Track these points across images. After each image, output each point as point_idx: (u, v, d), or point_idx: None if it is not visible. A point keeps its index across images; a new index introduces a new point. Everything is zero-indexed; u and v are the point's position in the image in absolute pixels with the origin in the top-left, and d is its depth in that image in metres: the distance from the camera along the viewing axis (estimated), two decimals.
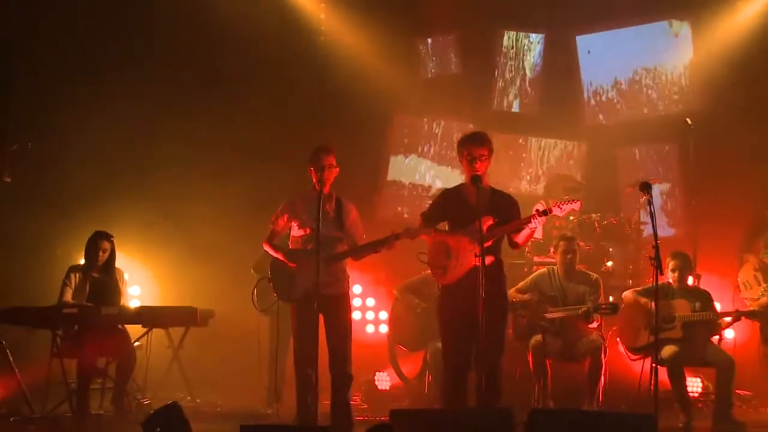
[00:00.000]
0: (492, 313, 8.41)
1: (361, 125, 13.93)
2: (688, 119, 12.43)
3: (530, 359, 10.56)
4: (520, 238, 8.83)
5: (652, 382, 10.54)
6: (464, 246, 8.69)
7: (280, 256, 9.38)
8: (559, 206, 8.75)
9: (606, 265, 12.16)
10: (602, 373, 10.46)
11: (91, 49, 12.99)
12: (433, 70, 14.59)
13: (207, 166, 13.18)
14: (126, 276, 11.57)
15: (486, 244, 8.51)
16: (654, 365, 9.27)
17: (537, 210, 8.68)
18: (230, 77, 13.53)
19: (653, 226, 8.56)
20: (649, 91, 14.25)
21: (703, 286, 12.01)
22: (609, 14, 14.19)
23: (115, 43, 13.13)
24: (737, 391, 11.54)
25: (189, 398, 11.66)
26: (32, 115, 12.62)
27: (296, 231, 9.43)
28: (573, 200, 8.86)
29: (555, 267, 11.05)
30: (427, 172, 14.47)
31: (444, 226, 9.04)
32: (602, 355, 10.47)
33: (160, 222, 13.05)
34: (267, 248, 9.47)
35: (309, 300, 8.99)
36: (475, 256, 8.41)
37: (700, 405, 11.24)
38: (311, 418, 9.14)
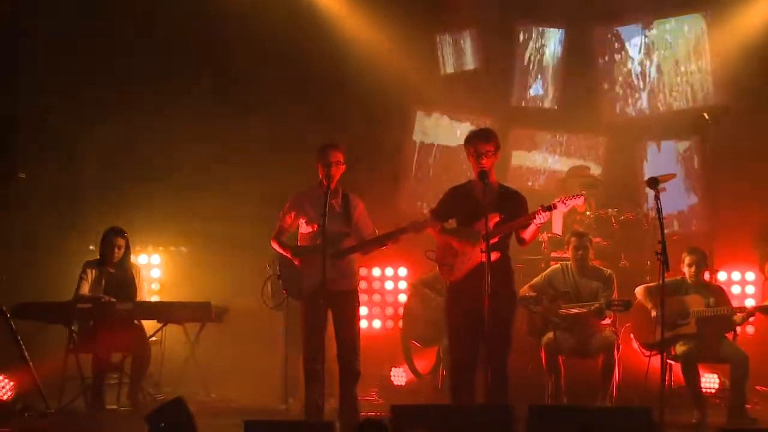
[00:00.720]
0: (499, 310, 8.47)
1: (378, 122, 13.90)
2: (705, 114, 12.35)
3: (543, 356, 10.55)
4: (526, 234, 8.84)
5: (668, 377, 10.80)
6: (470, 243, 8.70)
7: (287, 254, 9.41)
8: (563, 201, 8.74)
9: (623, 261, 12.10)
10: (615, 369, 10.45)
11: (106, 44, 13.07)
12: (451, 66, 14.51)
13: (226, 162, 13.22)
14: (142, 272, 11.67)
15: (492, 241, 8.55)
16: (665, 361, 9.18)
17: (542, 206, 8.67)
18: (249, 72, 13.57)
19: (660, 221, 8.57)
20: (670, 86, 14.14)
21: (722, 281, 12.08)
22: (628, 8, 14.14)
23: (129, 36, 13.20)
24: (758, 387, 11.54)
25: (203, 393, 11.71)
26: (46, 112, 12.70)
27: (304, 228, 9.45)
28: (577, 195, 8.85)
29: (569, 263, 11.03)
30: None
31: (453, 222, 9.06)
32: (615, 351, 10.47)
33: (179, 218, 13.12)
34: (275, 245, 9.50)
35: (317, 296, 9.01)
36: (481, 252, 8.42)
37: (717, 401, 11.13)
38: (318, 413, 9.18)
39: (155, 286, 13.23)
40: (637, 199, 13.19)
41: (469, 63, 14.47)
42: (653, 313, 10.56)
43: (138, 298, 11.16)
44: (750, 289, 12.74)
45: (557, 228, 12.63)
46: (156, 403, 10.59)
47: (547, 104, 14.47)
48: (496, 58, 14.40)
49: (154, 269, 13.30)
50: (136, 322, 11.06)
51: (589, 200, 12.71)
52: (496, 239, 8.64)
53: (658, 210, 8.58)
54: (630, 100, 14.29)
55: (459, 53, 14.46)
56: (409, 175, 14.34)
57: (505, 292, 8.70)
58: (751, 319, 10.95)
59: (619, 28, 14.30)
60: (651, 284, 10.96)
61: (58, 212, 12.57)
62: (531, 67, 14.46)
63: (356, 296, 9.53)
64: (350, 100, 13.79)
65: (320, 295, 8.95)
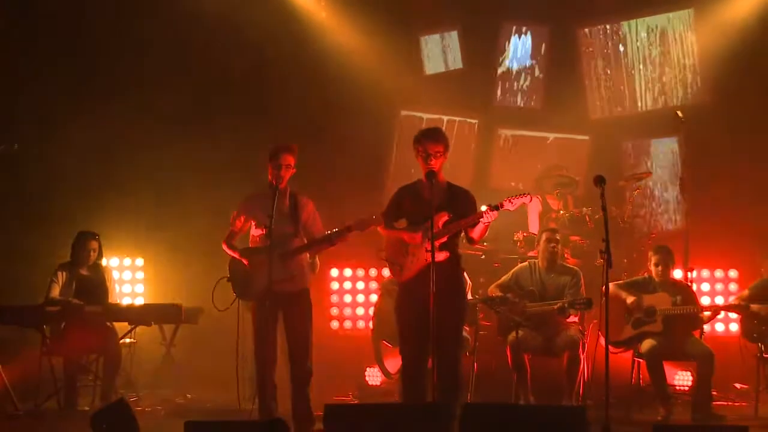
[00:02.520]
0: (446, 309, 8.50)
1: (362, 124, 13.87)
2: (678, 112, 12.30)
3: (508, 354, 10.57)
4: (475, 233, 8.84)
5: (635, 375, 10.83)
6: (418, 243, 8.72)
7: (235, 255, 9.48)
8: (510, 201, 8.74)
9: (600, 260, 12.07)
10: (580, 367, 10.46)
11: (87, 49, 13.20)
12: (434, 66, 14.48)
13: (207, 164, 13.19)
14: (115, 274, 11.82)
15: (441, 241, 8.59)
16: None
17: (489, 205, 8.69)
18: (227, 78, 13.63)
19: (605, 220, 8.52)
20: (654, 84, 14.11)
21: (705, 278, 12.10)
22: (612, 6, 14.13)
23: (110, 43, 13.31)
24: (735, 385, 11.52)
25: (179, 394, 11.82)
26: (20, 117, 12.82)
27: (254, 230, 9.51)
28: (524, 194, 8.84)
29: (536, 261, 11.07)
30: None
31: (403, 222, 9.08)
32: (580, 349, 10.48)
33: (161, 221, 13.20)
34: (225, 248, 9.56)
35: (265, 298, 9.07)
36: (426, 251, 8.45)
37: (689, 398, 11.05)
38: (271, 415, 9.23)
39: (139, 289, 13.37)
40: (621, 198, 13.06)
41: (453, 63, 14.44)
42: (629, 300, 10.56)
43: (110, 300, 11.24)
44: (732, 287, 12.71)
45: (533, 227, 12.66)
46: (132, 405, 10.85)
47: (531, 103, 14.42)
48: (480, 57, 14.40)
49: (138, 272, 13.44)
50: (109, 324, 11.13)
51: (566, 199, 12.75)
52: (444, 239, 8.68)
53: (603, 208, 8.55)
54: (614, 99, 14.24)
55: (442, 53, 14.45)
56: (391, 176, 14.29)
57: (453, 292, 8.72)
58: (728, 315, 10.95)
59: (604, 27, 14.25)
60: (620, 281, 10.99)
61: (31, 216, 12.67)
62: (515, 66, 14.43)
63: (306, 296, 9.50)
64: (332, 103, 13.80)
65: (267, 297, 9.00)
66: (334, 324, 13.22)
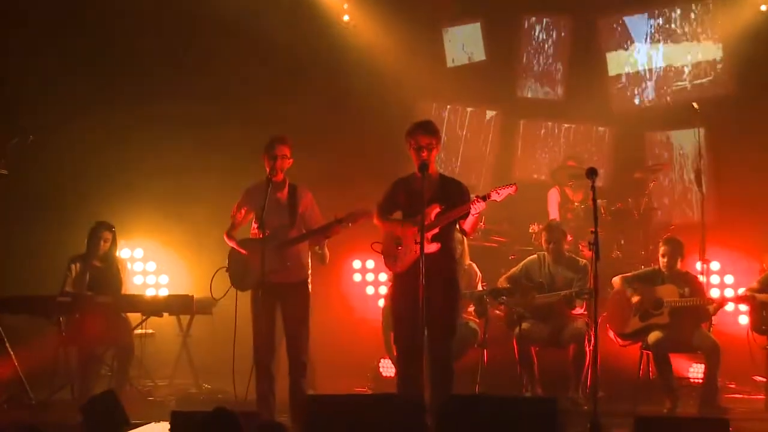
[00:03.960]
0: (438, 301, 8.56)
1: (384, 114, 13.83)
2: (695, 104, 12.22)
3: (515, 347, 10.58)
4: (466, 225, 8.86)
5: (643, 367, 10.77)
6: (411, 234, 8.74)
7: (233, 245, 9.58)
8: (497, 191, 8.73)
9: (616, 252, 12.06)
10: (587, 360, 10.42)
11: (92, 42, 13.31)
12: (457, 58, 14.50)
13: (227, 156, 13.23)
14: (128, 265, 11.95)
15: (433, 232, 8.63)
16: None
17: (477, 196, 8.70)
18: (251, 71, 13.68)
19: (594, 212, 8.49)
20: (676, 75, 14.01)
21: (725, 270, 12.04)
22: None
23: (117, 36, 13.41)
24: (754, 378, 11.40)
25: (194, 384, 11.96)
26: (31, 108, 12.95)
27: (254, 222, 9.61)
28: (509, 185, 8.80)
29: (545, 253, 11.05)
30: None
31: (399, 215, 9.12)
32: (586, 342, 10.44)
33: (175, 213, 13.34)
34: (225, 239, 9.67)
35: (264, 289, 9.16)
36: (415, 243, 8.48)
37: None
38: (269, 406, 9.32)
39: (163, 280, 13.52)
40: (639, 189, 12.95)
41: (475, 55, 14.43)
42: (634, 300, 10.53)
43: (123, 292, 11.39)
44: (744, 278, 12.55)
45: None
46: (142, 395, 11.03)
47: (553, 95, 14.38)
48: (502, 49, 14.41)
49: (161, 262, 13.58)
50: (123, 315, 11.27)
51: (584, 190, 12.69)
52: (436, 230, 8.70)
53: (594, 200, 8.50)
54: (636, 90, 14.19)
55: (464, 45, 14.43)
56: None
57: (445, 284, 8.75)
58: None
59: (625, 18, 14.18)
60: (628, 274, 10.94)
61: (45, 207, 12.86)
62: (537, 58, 14.39)
63: (304, 288, 9.58)
64: (353, 95, 13.83)
65: (266, 288, 9.12)
66: (355, 315, 13.25)
